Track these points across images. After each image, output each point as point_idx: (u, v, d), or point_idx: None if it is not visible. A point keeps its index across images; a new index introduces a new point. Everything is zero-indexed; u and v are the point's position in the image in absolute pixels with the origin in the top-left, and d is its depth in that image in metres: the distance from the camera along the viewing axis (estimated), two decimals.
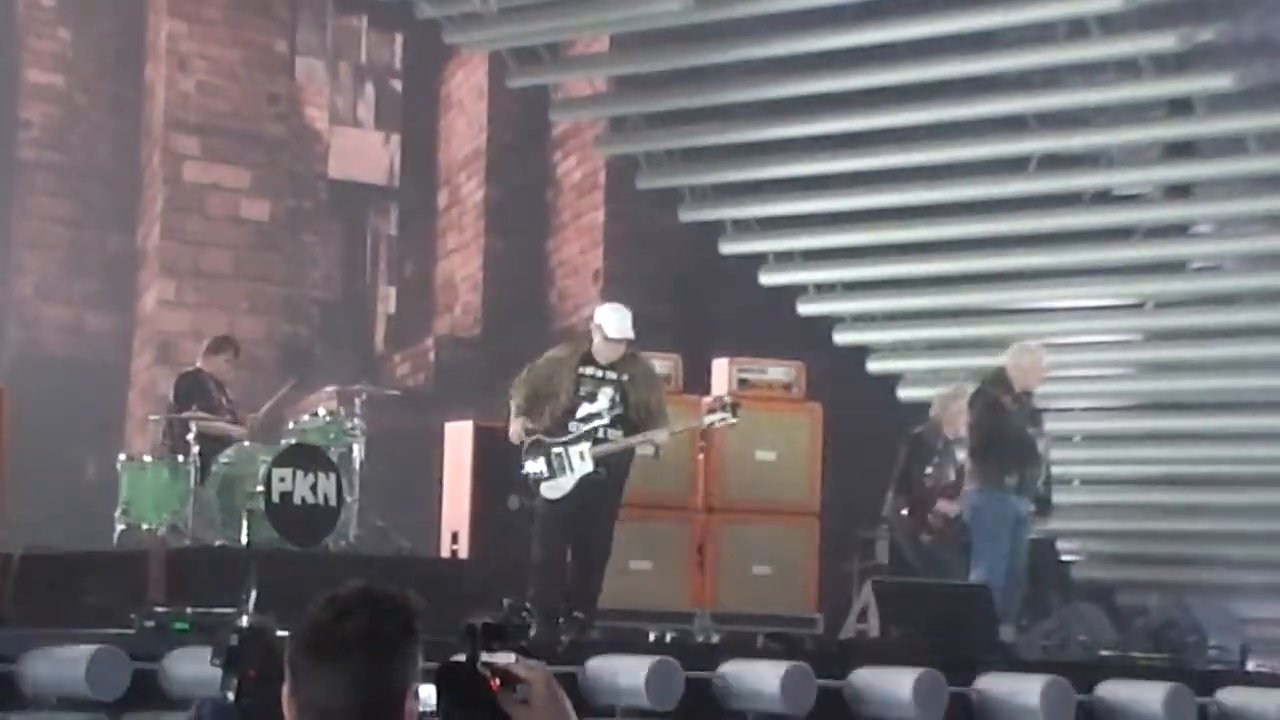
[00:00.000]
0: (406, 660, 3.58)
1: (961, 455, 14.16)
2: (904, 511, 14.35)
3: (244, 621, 3.54)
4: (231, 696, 3.72)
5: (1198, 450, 17.41)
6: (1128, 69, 16.93)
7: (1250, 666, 13.87)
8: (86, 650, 10.54)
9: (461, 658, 3.54)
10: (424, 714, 3.59)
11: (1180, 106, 16.98)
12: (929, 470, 14.25)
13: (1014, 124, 17.61)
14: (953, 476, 14.25)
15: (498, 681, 3.52)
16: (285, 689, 3.58)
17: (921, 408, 15.44)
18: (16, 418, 12.78)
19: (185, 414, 13.66)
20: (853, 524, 15.03)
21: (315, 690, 3.55)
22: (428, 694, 3.57)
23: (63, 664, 10.55)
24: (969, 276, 18.19)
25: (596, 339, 12.53)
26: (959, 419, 14.12)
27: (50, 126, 19.27)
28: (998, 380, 13.91)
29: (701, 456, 13.87)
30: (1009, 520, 13.65)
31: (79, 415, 17.03)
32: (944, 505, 14.09)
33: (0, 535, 12.56)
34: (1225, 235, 17.44)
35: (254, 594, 10.38)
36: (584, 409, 12.45)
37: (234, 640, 3.42)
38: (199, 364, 14.46)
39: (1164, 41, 16.43)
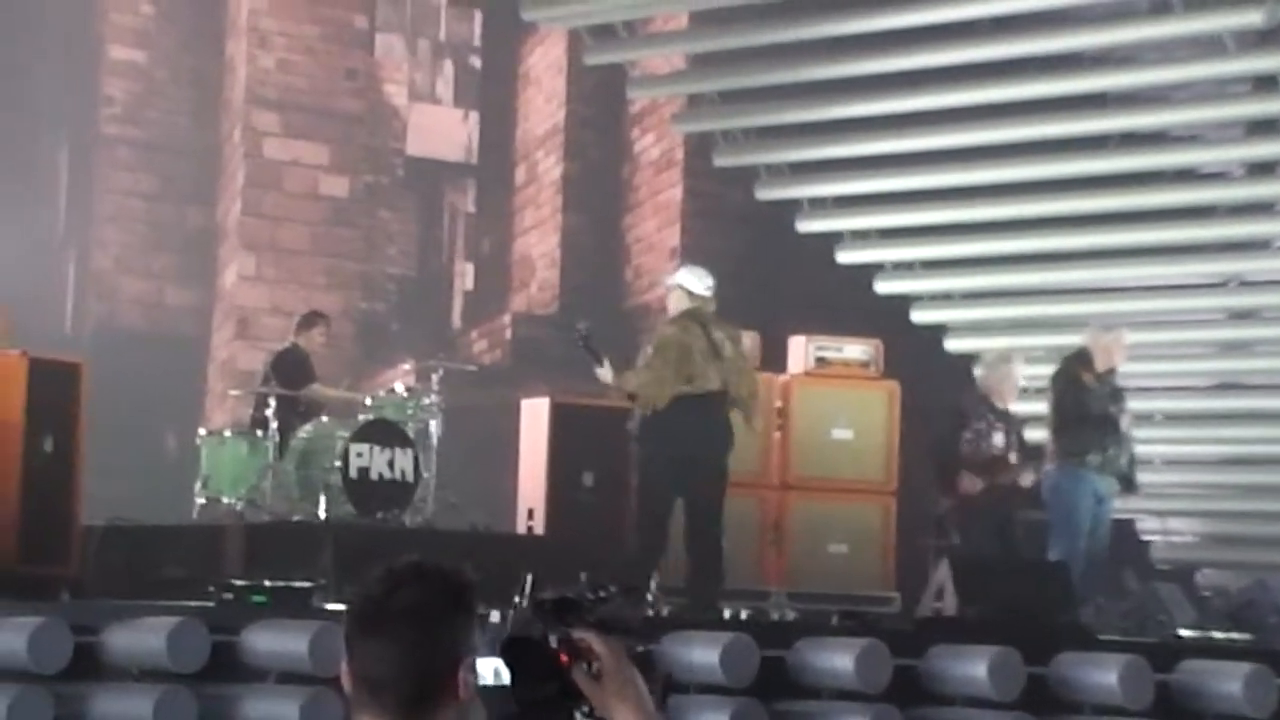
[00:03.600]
0: (458, 632, 3.59)
1: (999, 437, 14.04)
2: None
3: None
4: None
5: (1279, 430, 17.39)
6: (1211, 45, 16.81)
7: None
8: (167, 622, 10.62)
9: (533, 632, 3.55)
10: (487, 687, 3.59)
11: (1265, 83, 16.86)
12: (967, 436, 14.05)
13: (1095, 101, 17.51)
14: (995, 452, 14.03)
15: (567, 656, 3.54)
16: (344, 661, 3.60)
17: None
18: (97, 392, 12.84)
19: (271, 390, 13.71)
20: (929, 502, 15.00)
21: (368, 662, 3.56)
22: (491, 666, 3.58)
23: (143, 635, 10.63)
24: (1048, 255, 18.10)
25: (678, 300, 12.63)
26: (1005, 388, 14.00)
27: (131, 102, 19.44)
28: (1080, 358, 13.90)
29: (778, 434, 13.87)
30: (1089, 498, 13.64)
31: (159, 390, 17.17)
32: (966, 482, 13.90)
33: (82, 509, 12.65)
34: None
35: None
36: None
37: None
38: (294, 339, 14.57)
39: (1249, 18, 16.31)
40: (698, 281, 12.82)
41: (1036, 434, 14.40)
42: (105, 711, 10.54)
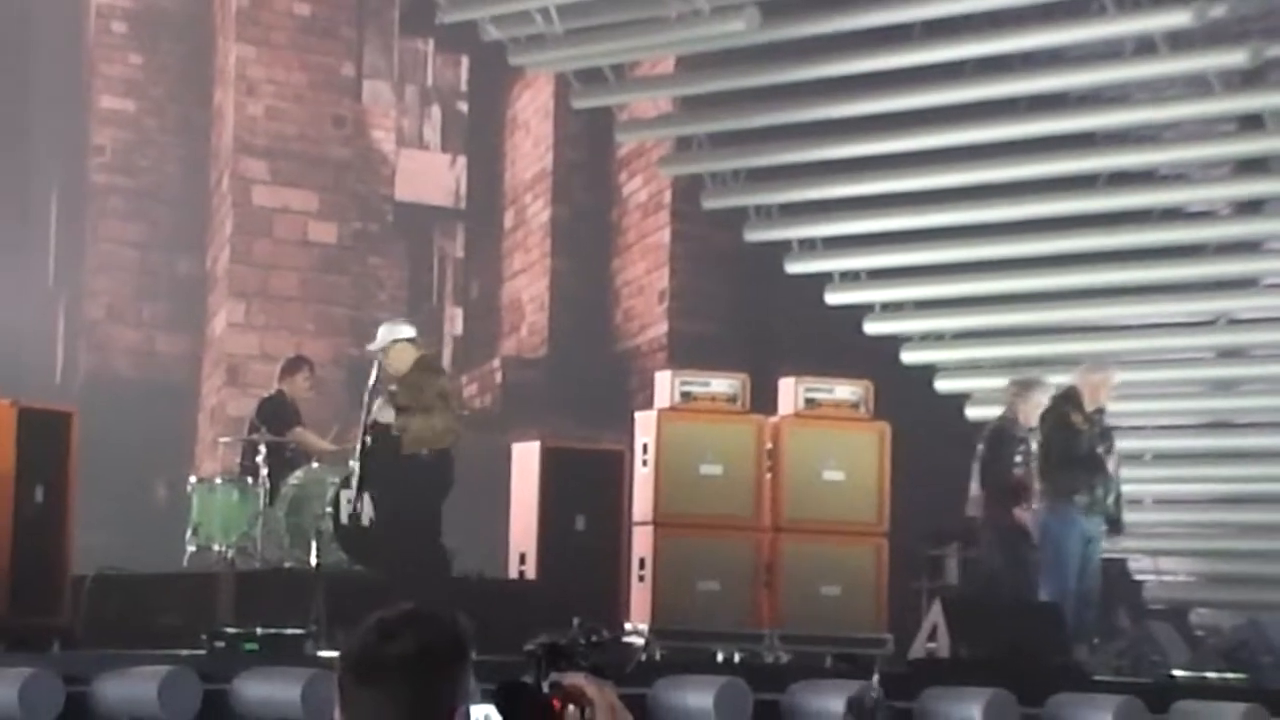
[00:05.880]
0: (454, 681, 3.56)
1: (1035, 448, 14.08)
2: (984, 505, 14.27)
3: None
4: None
5: (1271, 469, 17.31)
6: (1197, 85, 16.90)
7: None
8: (158, 671, 10.66)
9: (527, 678, 3.56)
10: None
11: (1250, 122, 16.94)
12: (1018, 458, 14.07)
13: (1083, 141, 17.60)
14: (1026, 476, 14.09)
15: (559, 701, 3.53)
16: (336, 709, 3.58)
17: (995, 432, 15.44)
18: (87, 440, 12.83)
19: (259, 438, 13.76)
20: (921, 543, 15.02)
21: (362, 712, 3.55)
22: (484, 713, 3.57)
23: (135, 685, 10.67)
24: (1037, 295, 18.15)
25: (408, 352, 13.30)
26: (1032, 410, 14.05)
27: (121, 150, 19.51)
28: (1068, 398, 13.94)
29: (769, 476, 13.88)
30: (1078, 539, 13.67)
31: (149, 437, 17.18)
32: (1021, 511, 13.97)
33: (73, 558, 12.63)
34: None
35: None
36: None
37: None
38: (279, 386, 14.59)
39: (1234, 58, 16.39)
40: (410, 329, 13.27)
41: None
42: None
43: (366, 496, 12.99)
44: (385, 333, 13.31)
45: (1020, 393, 14.35)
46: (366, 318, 19.87)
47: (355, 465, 13.04)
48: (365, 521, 12.99)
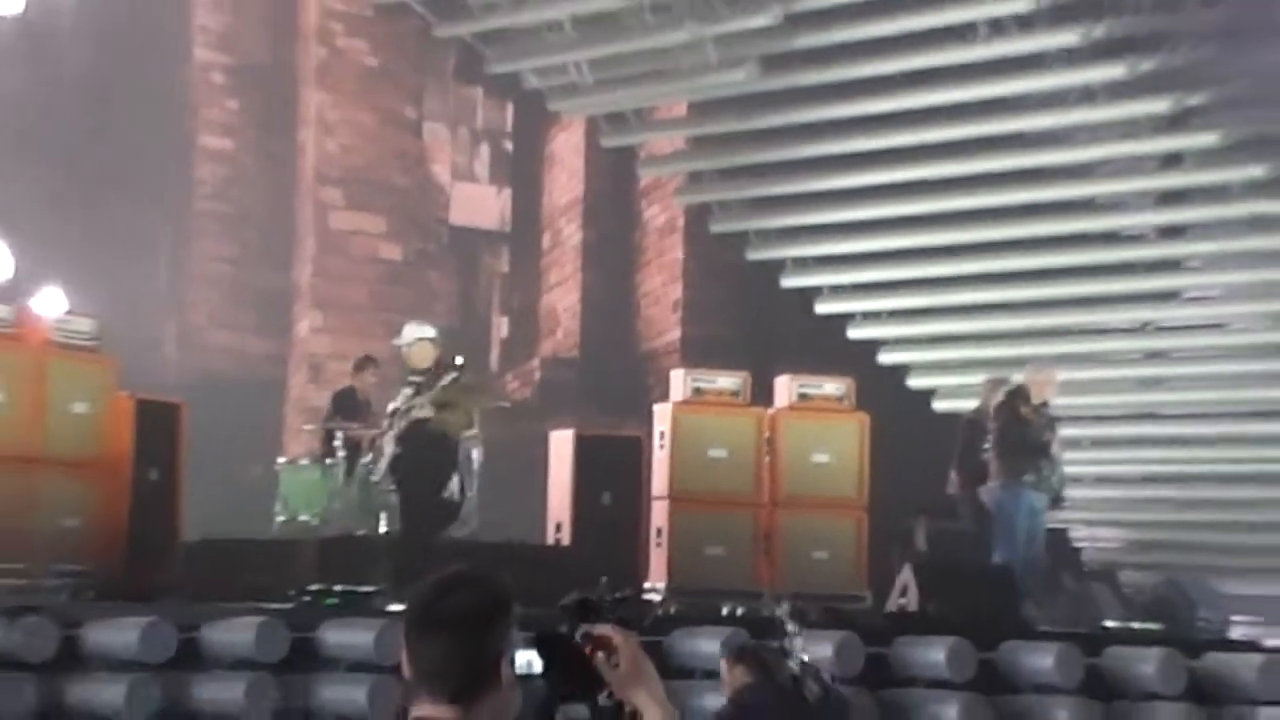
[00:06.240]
0: (499, 631, 3.48)
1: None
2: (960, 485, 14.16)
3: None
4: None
5: (1190, 453, 17.35)
6: (1130, 128, 16.91)
7: (1232, 635, 13.75)
8: (254, 620, 10.67)
9: (562, 628, 3.49)
10: (525, 676, 3.50)
11: (1172, 160, 16.96)
12: (985, 447, 13.92)
13: (1033, 175, 17.59)
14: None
15: (590, 649, 3.47)
16: (403, 653, 3.51)
17: (953, 417, 15.44)
18: (193, 428, 12.84)
19: (335, 425, 13.71)
20: (895, 516, 14.87)
21: (422, 657, 3.48)
22: (526, 658, 3.49)
23: (235, 632, 10.66)
24: (994, 305, 18.10)
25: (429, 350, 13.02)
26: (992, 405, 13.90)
27: (219, 182, 19.30)
28: (1018, 394, 13.81)
29: (767, 459, 13.66)
30: (1026, 512, 13.54)
31: (244, 425, 16.96)
32: (985, 493, 13.76)
33: (182, 526, 12.62)
34: (1214, 269, 17.43)
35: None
36: None
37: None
38: (350, 382, 14.59)
39: (1159, 106, 16.46)
40: (431, 330, 13.06)
41: None
42: (203, 695, 10.57)
43: (384, 464, 12.90)
44: (410, 331, 13.12)
45: (992, 390, 14.21)
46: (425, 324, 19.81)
47: (390, 444, 12.93)
48: (375, 478, 12.91)
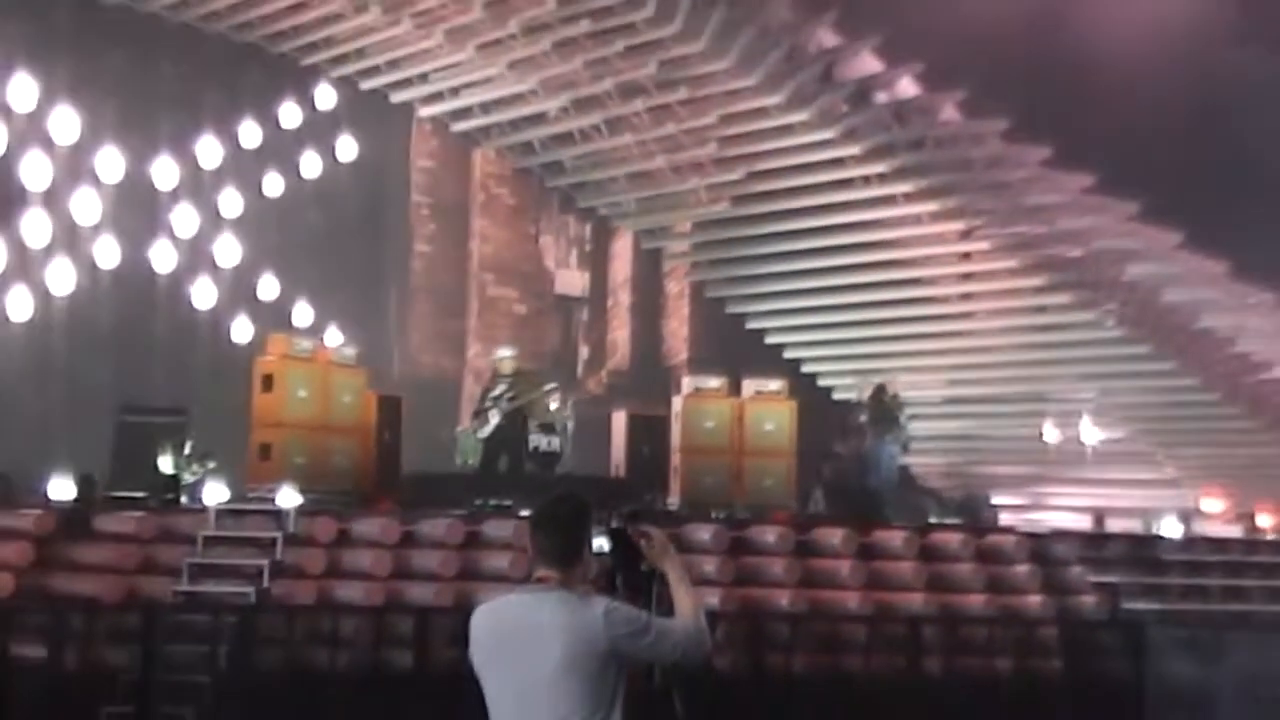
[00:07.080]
0: (584, 526, 3.37)
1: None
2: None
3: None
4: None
5: (980, 422, 17.13)
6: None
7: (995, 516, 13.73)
8: (444, 520, 10.32)
9: (621, 525, 3.43)
10: (599, 553, 3.38)
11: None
12: (862, 420, 13.78)
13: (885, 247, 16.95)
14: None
15: (638, 536, 3.40)
16: (529, 539, 3.40)
17: (845, 402, 15.17)
18: (407, 412, 12.84)
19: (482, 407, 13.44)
20: (811, 460, 14.39)
21: (540, 542, 3.38)
22: (600, 543, 3.38)
23: (435, 528, 10.25)
24: (870, 337, 17.58)
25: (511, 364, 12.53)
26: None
27: (424, 270, 19.15)
28: (882, 388, 13.81)
29: (738, 428, 13.40)
30: (885, 456, 13.49)
31: (438, 411, 16.55)
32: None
33: (402, 465, 12.46)
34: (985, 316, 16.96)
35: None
36: None
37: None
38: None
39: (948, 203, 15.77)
40: (511, 351, 12.79)
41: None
42: (416, 564, 10.29)
43: (491, 419, 12.60)
44: (501, 352, 13.10)
45: (866, 386, 14.05)
46: (543, 351, 19.49)
47: (495, 416, 12.64)
48: (483, 435, 12.65)
